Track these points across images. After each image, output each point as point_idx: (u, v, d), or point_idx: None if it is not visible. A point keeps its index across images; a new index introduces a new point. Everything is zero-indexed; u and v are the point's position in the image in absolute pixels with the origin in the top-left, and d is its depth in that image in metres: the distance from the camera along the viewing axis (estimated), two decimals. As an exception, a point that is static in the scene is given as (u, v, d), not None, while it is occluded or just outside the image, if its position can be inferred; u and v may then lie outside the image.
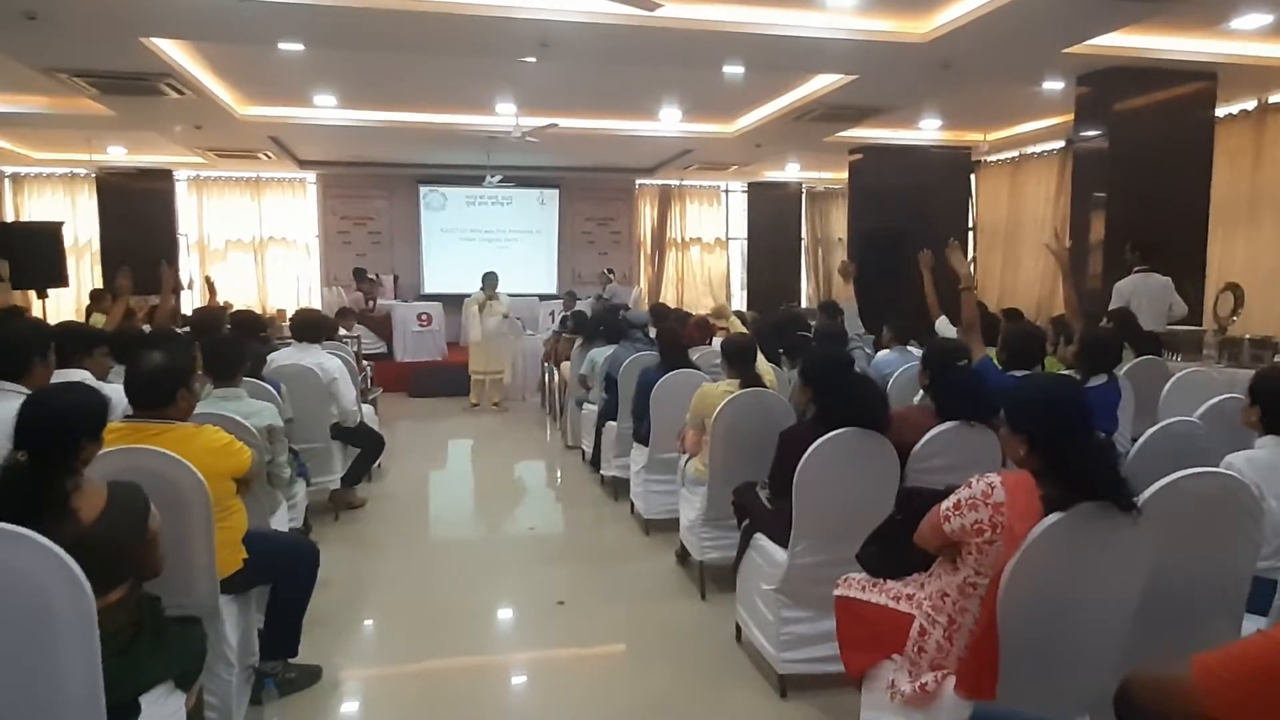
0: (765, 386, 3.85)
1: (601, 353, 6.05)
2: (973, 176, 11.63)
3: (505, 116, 9.09)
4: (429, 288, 12.87)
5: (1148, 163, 6.94)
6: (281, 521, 3.61)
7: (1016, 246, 11.23)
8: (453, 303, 10.71)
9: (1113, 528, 1.84)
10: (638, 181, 14.00)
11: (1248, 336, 5.99)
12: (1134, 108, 6.96)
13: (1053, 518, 1.79)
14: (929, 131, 10.19)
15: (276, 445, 3.40)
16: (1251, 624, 2.24)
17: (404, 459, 6.83)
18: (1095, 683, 1.90)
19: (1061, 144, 9.98)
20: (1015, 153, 11.16)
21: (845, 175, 11.39)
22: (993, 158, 11.59)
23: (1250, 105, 8.04)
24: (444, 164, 12.42)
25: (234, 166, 12.30)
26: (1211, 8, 5.63)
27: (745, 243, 14.74)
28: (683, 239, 14.58)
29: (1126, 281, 6.08)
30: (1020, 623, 1.83)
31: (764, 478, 3.26)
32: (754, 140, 10.14)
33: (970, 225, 11.78)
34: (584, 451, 6.41)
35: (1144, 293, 5.95)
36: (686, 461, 4.08)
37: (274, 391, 3.92)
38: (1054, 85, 7.52)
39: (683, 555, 4.22)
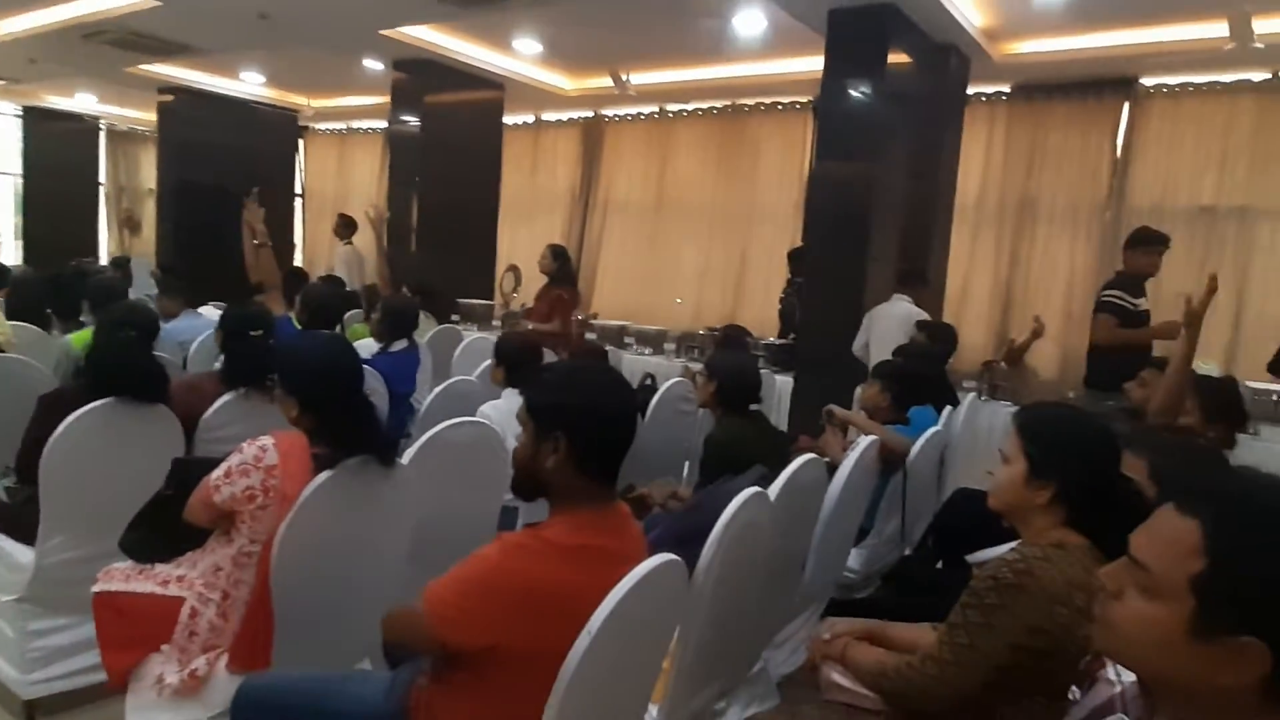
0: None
1: None
2: (301, 142, 11.46)
3: None
4: None
5: (453, 155, 7.75)
6: None
7: (346, 218, 11.48)
8: None
9: (382, 478, 1.95)
10: None
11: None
12: (442, 103, 7.67)
13: (323, 476, 1.81)
14: (252, 85, 9.64)
15: None
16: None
17: None
18: (373, 629, 1.99)
19: (385, 124, 10.50)
20: (343, 125, 11.36)
21: (155, 118, 10.06)
22: (321, 126, 11.59)
23: (530, 119, 9.65)
24: None
25: None
26: (498, 26, 6.52)
27: (20, 180, 11.92)
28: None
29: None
30: (293, 585, 1.81)
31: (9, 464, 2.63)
32: (27, 53, 8.17)
33: (300, 192, 11.61)
34: None
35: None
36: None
37: None
38: (374, 65, 7.83)
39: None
